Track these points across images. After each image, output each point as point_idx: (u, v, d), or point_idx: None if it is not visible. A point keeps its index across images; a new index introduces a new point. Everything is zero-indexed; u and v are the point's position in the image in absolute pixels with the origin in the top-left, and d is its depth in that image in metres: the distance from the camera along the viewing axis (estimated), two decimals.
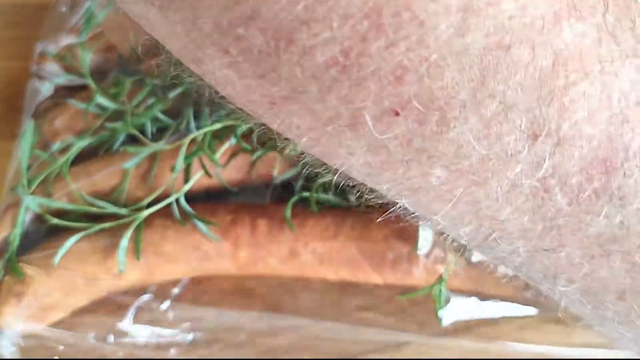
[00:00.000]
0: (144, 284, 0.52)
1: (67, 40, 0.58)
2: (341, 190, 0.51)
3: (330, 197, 0.51)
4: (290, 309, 0.51)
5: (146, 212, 0.49)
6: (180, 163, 0.49)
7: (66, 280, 0.49)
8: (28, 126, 0.53)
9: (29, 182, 0.51)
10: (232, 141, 0.51)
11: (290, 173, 0.52)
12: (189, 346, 0.51)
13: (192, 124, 0.51)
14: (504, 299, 0.49)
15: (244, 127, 0.51)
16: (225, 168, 0.51)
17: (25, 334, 0.50)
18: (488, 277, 0.48)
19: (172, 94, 0.52)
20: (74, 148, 0.52)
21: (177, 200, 0.50)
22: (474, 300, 0.50)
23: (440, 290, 0.46)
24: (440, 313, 0.47)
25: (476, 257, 0.48)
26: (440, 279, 0.47)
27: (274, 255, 0.50)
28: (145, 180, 0.51)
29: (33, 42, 0.60)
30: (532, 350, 0.49)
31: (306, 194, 0.50)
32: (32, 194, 0.51)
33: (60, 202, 0.51)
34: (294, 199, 0.50)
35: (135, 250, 0.49)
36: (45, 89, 0.58)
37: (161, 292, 0.52)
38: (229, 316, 0.51)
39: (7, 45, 0.67)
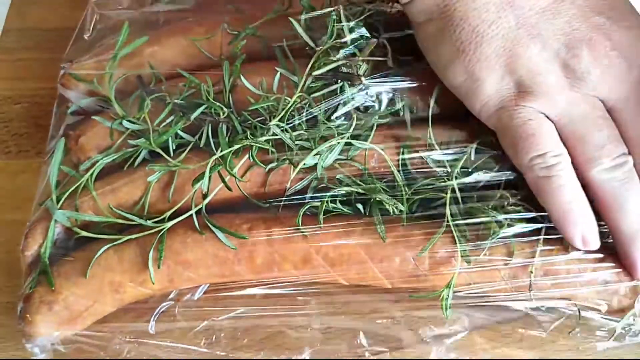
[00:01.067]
0: (166, 290, 0.54)
1: (90, 61, 0.61)
2: (349, 201, 0.54)
3: (338, 206, 0.53)
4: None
5: (170, 224, 0.52)
6: (206, 181, 0.52)
7: (94, 289, 0.52)
8: (58, 145, 0.55)
9: (58, 198, 0.54)
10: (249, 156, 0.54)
11: (301, 185, 0.54)
12: (208, 348, 0.53)
13: (211, 141, 0.54)
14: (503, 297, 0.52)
15: (258, 146, 0.53)
16: (243, 181, 0.54)
17: (57, 340, 0.52)
18: (488, 278, 0.51)
19: (193, 114, 0.55)
20: (98, 164, 0.55)
21: (197, 212, 0.52)
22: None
23: (449, 295, 0.49)
24: (448, 314, 0.50)
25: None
26: (449, 284, 0.50)
27: (289, 260, 0.52)
28: (166, 194, 0.54)
29: (58, 64, 0.62)
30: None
31: (316, 203, 0.53)
32: (60, 208, 0.53)
33: (89, 216, 0.53)
34: (304, 209, 0.53)
35: (158, 259, 0.51)
36: (71, 108, 0.60)
37: (182, 297, 0.55)
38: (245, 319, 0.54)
39: (33, 67, 0.70)
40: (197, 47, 0.62)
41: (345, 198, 0.54)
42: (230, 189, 0.53)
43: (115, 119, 0.56)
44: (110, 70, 0.57)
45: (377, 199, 0.51)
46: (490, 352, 0.52)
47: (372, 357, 0.52)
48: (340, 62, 0.52)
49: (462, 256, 0.50)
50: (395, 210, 0.51)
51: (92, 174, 0.54)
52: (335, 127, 0.53)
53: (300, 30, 0.55)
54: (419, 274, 0.51)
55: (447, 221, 0.50)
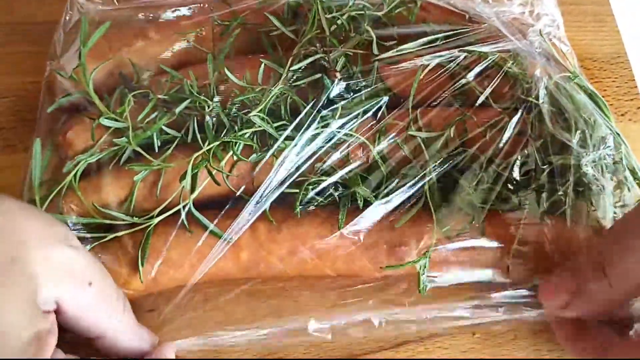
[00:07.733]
0: (150, 291, 0.53)
1: (75, 57, 0.59)
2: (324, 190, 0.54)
3: (313, 195, 0.53)
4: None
5: (157, 219, 0.51)
6: (188, 179, 0.51)
7: None
8: (36, 146, 0.54)
9: (41, 200, 0.52)
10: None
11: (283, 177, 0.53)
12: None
13: (197, 136, 0.53)
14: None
15: (242, 143, 0.53)
16: (231, 175, 0.53)
17: None
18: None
19: (178, 108, 0.54)
20: (81, 164, 0.54)
21: (183, 208, 0.52)
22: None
23: (425, 264, 0.50)
24: (424, 282, 0.51)
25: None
26: (425, 254, 0.50)
27: (275, 254, 0.52)
28: (152, 192, 0.53)
29: (46, 58, 0.61)
30: None
31: (292, 190, 0.53)
32: (45, 209, 0.52)
33: (73, 218, 0.52)
34: (275, 196, 0.52)
35: (142, 257, 0.51)
36: (57, 103, 0.59)
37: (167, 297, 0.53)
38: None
39: (22, 61, 0.69)
40: (186, 43, 0.61)
41: (323, 188, 0.53)
42: (218, 184, 0.52)
43: (99, 116, 0.55)
44: (87, 64, 0.56)
45: (355, 189, 0.52)
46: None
47: (371, 357, 0.52)
48: (318, 56, 0.52)
49: (439, 226, 0.51)
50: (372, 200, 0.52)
51: (75, 175, 0.53)
52: (321, 118, 0.53)
53: (278, 24, 0.55)
54: (407, 259, 0.51)
55: (426, 198, 0.51)
